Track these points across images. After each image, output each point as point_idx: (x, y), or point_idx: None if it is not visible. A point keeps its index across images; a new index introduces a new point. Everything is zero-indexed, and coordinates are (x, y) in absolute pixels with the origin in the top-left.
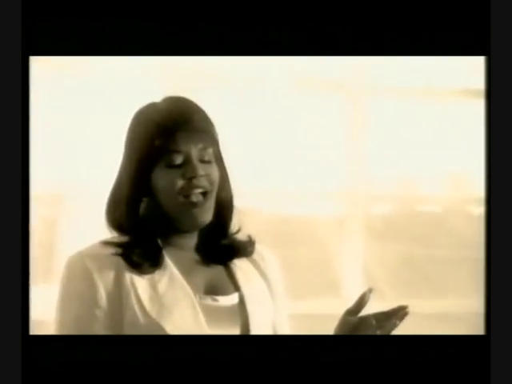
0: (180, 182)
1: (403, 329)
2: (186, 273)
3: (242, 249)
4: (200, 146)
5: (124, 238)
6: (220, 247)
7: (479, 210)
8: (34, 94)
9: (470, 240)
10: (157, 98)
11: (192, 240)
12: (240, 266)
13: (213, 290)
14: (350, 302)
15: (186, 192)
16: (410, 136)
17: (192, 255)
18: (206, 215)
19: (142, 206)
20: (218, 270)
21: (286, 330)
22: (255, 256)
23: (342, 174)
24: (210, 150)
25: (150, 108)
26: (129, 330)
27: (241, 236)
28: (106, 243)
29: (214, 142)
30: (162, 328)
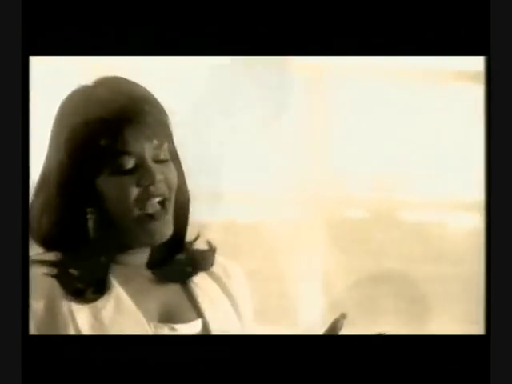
0: (134, 191)
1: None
2: (137, 296)
3: (202, 261)
4: (155, 143)
5: (58, 256)
6: (176, 262)
7: (472, 218)
8: (34, 94)
9: (460, 254)
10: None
11: (142, 255)
12: (201, 284)
13: (170, 317)
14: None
15: (141, 203)
16: (390, 127)
17: (142, 274)
18: (167, 229)
19: (83, 218)
20: (174, 291)
21: None
22: (217, 270)
23: (303, 173)
24: (166, 146)
25: (87, 95)
26: None
27: (199, 245)
28: (36, 261)
29: (169, 135)
30: None
